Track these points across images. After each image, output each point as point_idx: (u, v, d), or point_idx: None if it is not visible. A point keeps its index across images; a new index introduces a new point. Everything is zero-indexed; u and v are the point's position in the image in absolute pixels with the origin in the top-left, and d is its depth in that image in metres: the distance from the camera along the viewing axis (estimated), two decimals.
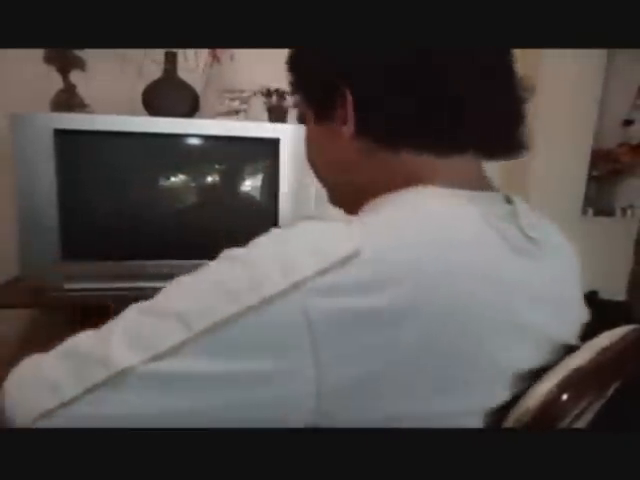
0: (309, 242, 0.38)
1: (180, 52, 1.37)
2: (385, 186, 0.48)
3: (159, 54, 1.36)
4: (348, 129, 0.49)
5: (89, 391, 0.36)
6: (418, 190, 0.46)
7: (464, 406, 0.41)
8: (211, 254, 0.41)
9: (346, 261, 0.36)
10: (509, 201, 0.49)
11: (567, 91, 1.90)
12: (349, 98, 0.48)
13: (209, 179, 1.42)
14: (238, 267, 0.38)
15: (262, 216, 1.43)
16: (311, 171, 0.59)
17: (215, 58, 1.35)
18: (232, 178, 1.43)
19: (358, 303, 0.35)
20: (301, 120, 0.59)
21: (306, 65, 0.53)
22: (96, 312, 1.48)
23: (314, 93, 0.53)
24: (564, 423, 0.40)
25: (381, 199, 0.47)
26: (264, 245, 0.40)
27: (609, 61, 1.95)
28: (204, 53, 1.43)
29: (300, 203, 1.41)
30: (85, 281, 1.34)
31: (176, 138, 1.35)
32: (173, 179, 1.40)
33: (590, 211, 2.08)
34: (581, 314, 0.54)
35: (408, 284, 0.36)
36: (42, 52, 1.28)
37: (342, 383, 0.36)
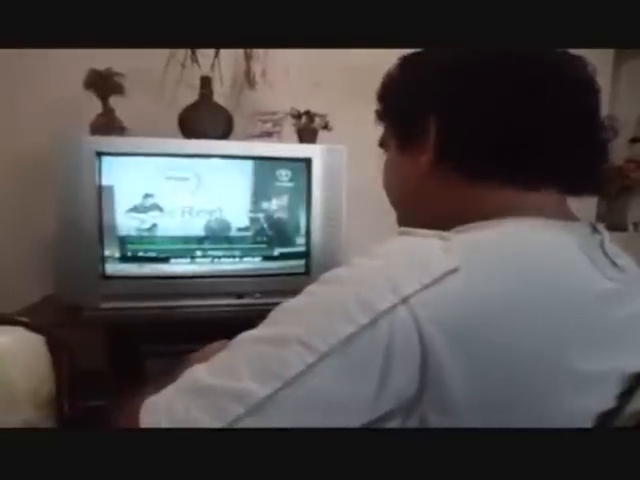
0: (410, 258, 0.41)
1: (216, 77, 1.42)
2: (461, 217, 0.48)
3: (195, 79, 1.40)
4: (427, 158, 0.51)
5: (230, 426, 0.37)
6: (510, 218, 0.47)
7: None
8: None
9: (447, 275, 0.39)
10: (595, 230, 0.50)
11: None
12: (433, 128, 0.50)
13: (243, 199, 1.46)
14: (345, 287, 0.40)
15: (295, 230, 1.46)
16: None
17: (248, 81, 1.39)
18: (266, 197, 1.47)
19: (460, 314, 0.38)
20: (381, 146, 0.61)
21: (394, 94, 0.56)
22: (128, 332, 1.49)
23: (400, 122, 0.56)
24: None
25: (474, 225, 0.47)
26: (366, 264, 0.42)
27: (614, 80, 2.02)
28: (237, 77, 1.48)
29: (331, 216, 1.45)
30: (122, 300, 1.35)
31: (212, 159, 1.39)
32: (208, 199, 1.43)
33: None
34: None
35: (503, 306, 0.39)
36: (82, 77, 1.32)
37: (452, 389, 0.38)
